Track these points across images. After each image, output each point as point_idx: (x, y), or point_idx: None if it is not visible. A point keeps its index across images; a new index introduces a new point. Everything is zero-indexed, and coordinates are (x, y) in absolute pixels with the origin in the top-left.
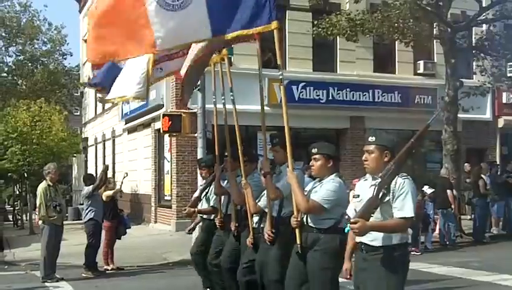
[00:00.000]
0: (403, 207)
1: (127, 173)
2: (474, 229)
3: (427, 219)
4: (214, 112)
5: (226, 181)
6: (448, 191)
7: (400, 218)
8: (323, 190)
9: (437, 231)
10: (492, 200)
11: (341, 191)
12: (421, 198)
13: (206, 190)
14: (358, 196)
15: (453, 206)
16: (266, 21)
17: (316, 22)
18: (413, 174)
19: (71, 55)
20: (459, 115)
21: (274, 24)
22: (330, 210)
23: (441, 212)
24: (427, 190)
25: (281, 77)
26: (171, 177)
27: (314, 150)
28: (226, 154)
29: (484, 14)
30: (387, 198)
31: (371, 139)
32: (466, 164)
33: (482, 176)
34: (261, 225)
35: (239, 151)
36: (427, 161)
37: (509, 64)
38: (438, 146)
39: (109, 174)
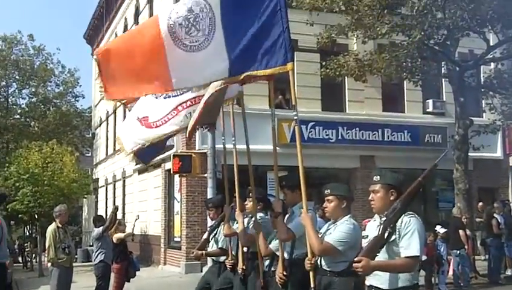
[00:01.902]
0: (409, 246)
1: (138, 216)
2: (489, 270)
3: (440, 260)
4: (223, 152)
5: (235, 222)
6: (461, 231)
7: (406, 257)
8: (337, 232)
9: (451, 273)
10: (506, 240)
11: (355, 233)
12: (434, 238)
13: (215, 231)
14: (367, 236)
15: (466, 247)
16: (282, 62)
17: (324, 63)
18: (425, 213)
19: (83, 97)
20: (469, 154)
21: (289, 65)
22: (344, 252)
23: (454, 253)
24: (440, 229)
25: (295, 117)
26: (181, 218)
27: (327, 191)
28: (235, 194)
29: (492, 52)
30: (393, 237)
31: (376, 178)
32: (479, 203)
33: (495, 215)
34: (272, 268)
35: (250, 191)
36: (439, 200)
37: None
38: (450, 185)
39: (119, 215)
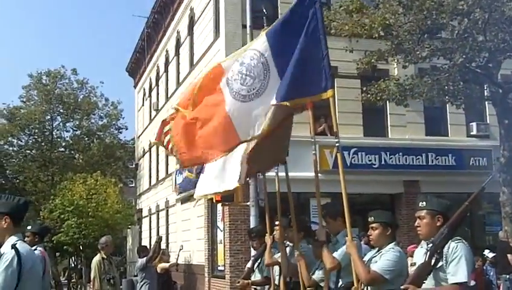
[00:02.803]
0: (457, 272)
1: (182, 246)
2: None
3: (489, 285)
4: (264, 179)
5: (277, 251)
6: (509, 255)
7: (454, 284)
8: (383, 260)
9: None
10: None
11: (402, 260)
12: (482, 263)
13: (259, 261)
14: (414, 263)
15: None
16: (322, 89)
17: (364, 88)
18: (472, 238)
19: (126, 129)
20: None
21: (329, 92)
22: (391, 281)
23: (503, 277)
24: (488, 254)
25: (337, 144)
26: (224, 246)
27: (371, 219)
28: (277, 223)
29: None
30: (440, 263)
31: (422, 204)
32: None
33: None
34: None
35: (291, 219)
36: (486, 224)
37: None
38: (497, 208)
39: (163, 245)
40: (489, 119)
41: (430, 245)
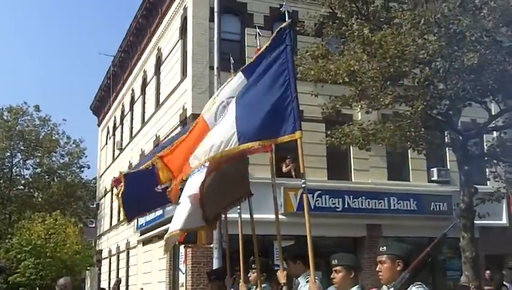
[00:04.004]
0: None
1: (142, 289)
2: None
3: None
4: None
5: None
6: None
7: None
8: None
9: None
10: None
11: None
12: None
13: None
14: None
15: None
16: (290, 131)
17: (329, 132)
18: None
19: (88, 168)
20: (475, 222)
21: (298, 134)
22: None
23: None
24: None
25: (303, 185)
26: (186, 289)
27: (335, 262)
28: (237, 268)
29: (494, 121)
30: None
31: (382, 249)
32: (487, 271)
33: (505, 283)
34: None
35: (253, 262)
36: (447, 269)
37: None
38: (457, 253)
39: (123, 287)
40: (449, 165)
41: (391, 289)
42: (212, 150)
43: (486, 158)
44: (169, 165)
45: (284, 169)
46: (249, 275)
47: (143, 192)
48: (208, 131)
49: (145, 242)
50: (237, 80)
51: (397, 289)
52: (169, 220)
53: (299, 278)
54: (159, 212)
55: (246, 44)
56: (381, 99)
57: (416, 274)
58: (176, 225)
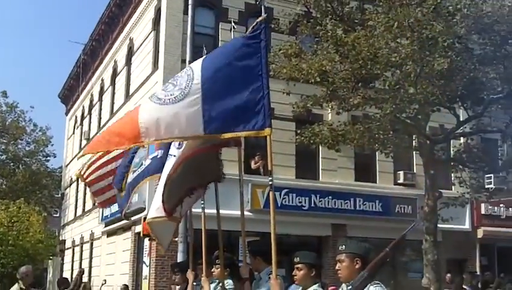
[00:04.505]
0: None
1: (105, 280)
2: None
3: None
4: (196, 216)
5: (200, 288)
6: None
7: None
8: None
9: None
10: None
11: None
12: None
13: None
14: None
15: None
16: (260, 127)
17: (299, 131)
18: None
19: (55, 157)
20: (438, 225)
21: (267, 131)
22: None
23: None
24: None
25: (270, 183)
26: (149, 282)
27: (297, 259)
28: (200, 261)
29: (462, 127)
30: None
31: (341, 247)
32: (448, 275)
33: (464, 286)
34: None
35: (217, 256)
36: (409, 271)
37: (487, 176)
38: (419, 256)
39: (85, 278)
40: (416, 168)
41: (350, 287)
42: (176, 132)
43: (452, 163)
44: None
45: (253, 166)
46: (212, 270)
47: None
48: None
49: (109, 234)
50: (199, 64)
51: (355, 287)
52: (134, 213)
53: (260, 274)
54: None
55: (219, 38)
56: (351, 101)
57: (375, 273)
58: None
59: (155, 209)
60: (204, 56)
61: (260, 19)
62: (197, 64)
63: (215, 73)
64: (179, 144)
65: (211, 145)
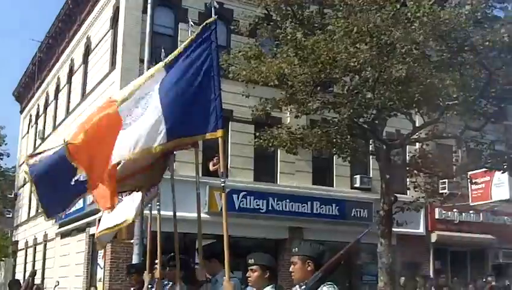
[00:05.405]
0: None
1: (58, 282)
2: None
3: None
4: (151, 218)
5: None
6: None
7: None
8: None
9: None
10: None
11: None
12: None
13: None
14: None
15: None
16: (212, 129)
17: (257, 134)
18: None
19: (8, 156)
20: (393, 229)
21: (219, 132)
22: None
23: None
24: None
25: (223, 184)
26: (103, 285)
27: (251, 261)
28: (157, 261)
29: (417, 133)
30: None
31: (294, 250)
32: (402, 278)
33: (418, 289)
34: None
35: (171, 259)
36: (363, 274)
37: (441, 181)
38: (374, 259)
39: (38, 280)
40: (372, 173)
41: (304, 287)
42: (138, 146)
43: (407, 168)
44: (76, 156)
45: (211, 168)
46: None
47: (57, 180)
48: (120, 122)
49: (63, 235)
50: (158, 74)
51: (309, 287)
52: (89, 214)
53: (216, 276)
54: (79, 205)
55: (178, 39)
56: (310, 104)
57: (328, 274)
58: (106, 223)
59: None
60: (162, 63)
61: (210, 20)
62: (156, 77)
63: (172, 83)
64: None
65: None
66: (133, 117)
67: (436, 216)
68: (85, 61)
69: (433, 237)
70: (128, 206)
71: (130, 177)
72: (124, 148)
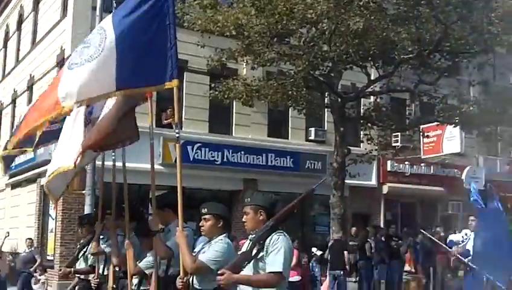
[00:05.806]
0: (274, 262)
1: (8, 233)
2: None
3: (314, 281)
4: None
5: (105, 240)
6: (346, 253)
7: (270, 273)
8: (211, 251)
9: None
10: (376, 263)
11: (229, 252)
12: (308, 260)
13: (84, 249)
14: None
15: (347, 268)
16: (167, 79)
17: (213, 85)
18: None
19: None
20: (346, 181)
21: (175, 82)
22: (217, 271)
23: (337, 273)
24: (316, 251)
25: (177, 135)
26: (55, 236)
27: (204, 210)
28: (108, 211)
29: (372, 86)
30: (261, 254)
31: (247, 200)
32: (353, 228)
33: (368, 239)
34: (141, 287)
35: (125, 208)
36: (316, 224)
37: (394, 134)
38: (326, 210)
39: None
40: (327, 125)
41: (253, 236)
42: (93, 90)
43: (361, 121)
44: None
45: (164, 121)
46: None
47: None
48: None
49: (14, 186)
50: (110, 22)
51: (260, 235)
52: (40, 165)
53: (169, 226)
54: (30, 155)
55: None
56: (266, 55)
57: (279, 223)
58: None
59: (56, 162)
60: (112, 13)
61: None
62: (108, 23)
63: (126, 30)
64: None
65: (128, 108)
66: (84, 56)
67: (388, 168)
68: (35, 8)
69: (385, 189)
70: (68, 153)
71: (104, 138)
72: (74, 90)
